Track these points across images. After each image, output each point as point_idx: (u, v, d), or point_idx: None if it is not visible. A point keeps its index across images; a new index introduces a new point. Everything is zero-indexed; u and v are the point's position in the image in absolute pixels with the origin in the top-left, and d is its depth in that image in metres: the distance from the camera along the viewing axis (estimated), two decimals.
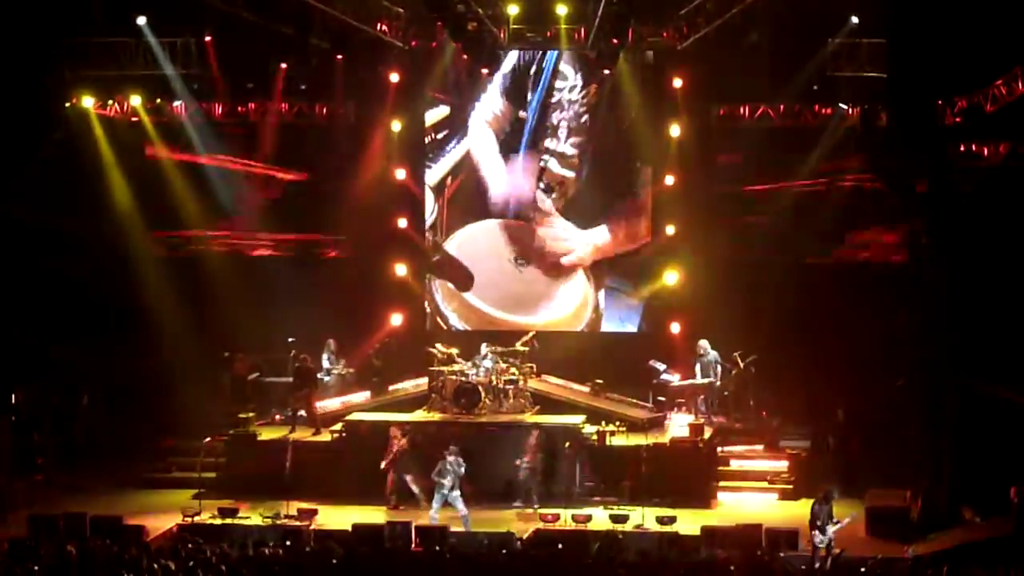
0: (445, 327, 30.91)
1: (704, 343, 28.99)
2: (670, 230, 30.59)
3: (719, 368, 28.75)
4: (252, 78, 31.19)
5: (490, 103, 29.98)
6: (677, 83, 30.19)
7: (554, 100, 29.72)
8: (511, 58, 29.91)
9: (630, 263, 30.67)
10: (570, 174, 30.05)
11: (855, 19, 28.29)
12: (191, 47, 30.12)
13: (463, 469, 25.20)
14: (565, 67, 29.69)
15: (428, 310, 30.95)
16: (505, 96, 29.98)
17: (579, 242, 30.33)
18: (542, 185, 30.21)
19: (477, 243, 27.94)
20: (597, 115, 29.58)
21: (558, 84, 29.65)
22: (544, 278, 30.30)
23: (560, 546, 22.63)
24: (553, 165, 30.12)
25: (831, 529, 22.62)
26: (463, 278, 28.69)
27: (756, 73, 29.41)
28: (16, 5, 28.13)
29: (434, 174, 30.30)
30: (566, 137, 29.87)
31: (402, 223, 31.56)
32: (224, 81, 31.08)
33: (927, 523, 24.54)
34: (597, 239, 30.39)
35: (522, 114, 29.99)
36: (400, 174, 31.44)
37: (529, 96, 30.02)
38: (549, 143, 30.04)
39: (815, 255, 30.62)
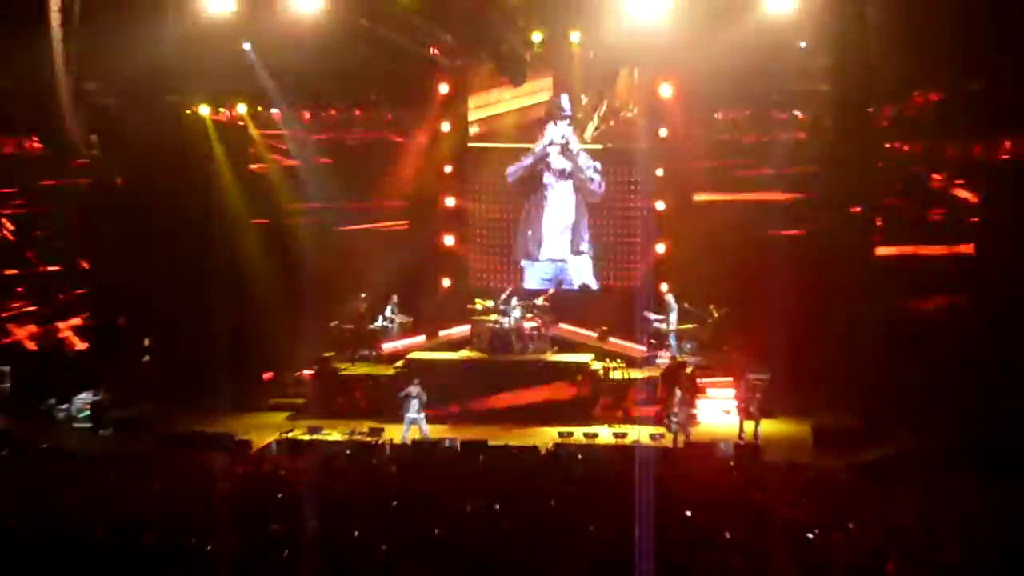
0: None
1: (670, 296, 31.27)
2: (660, 205, 33.04)
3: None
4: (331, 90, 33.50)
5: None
6: (666, 92, 32.49)
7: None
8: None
9: None
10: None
11: (803, 44, 29.96)
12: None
13: (425, 397, 27.19)
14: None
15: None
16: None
17: None
18: None
19: None
20: None
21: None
22: None
23: (580, 456, 24.42)
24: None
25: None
26: None
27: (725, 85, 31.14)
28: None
29: None
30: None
31: (450, 202, 34.82)
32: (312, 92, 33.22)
33: (866, 439, 26.02)
34: None
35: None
36: (447, 168, 34.56)
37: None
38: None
39: (776, 230, 31.80)
